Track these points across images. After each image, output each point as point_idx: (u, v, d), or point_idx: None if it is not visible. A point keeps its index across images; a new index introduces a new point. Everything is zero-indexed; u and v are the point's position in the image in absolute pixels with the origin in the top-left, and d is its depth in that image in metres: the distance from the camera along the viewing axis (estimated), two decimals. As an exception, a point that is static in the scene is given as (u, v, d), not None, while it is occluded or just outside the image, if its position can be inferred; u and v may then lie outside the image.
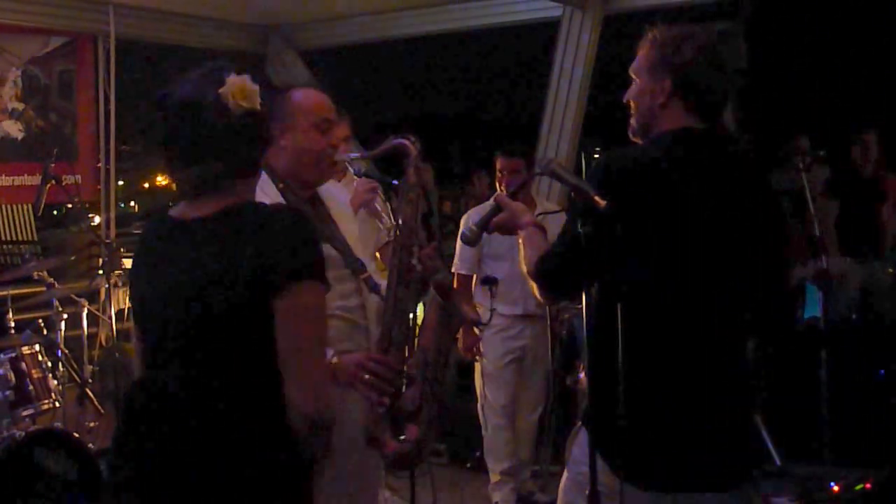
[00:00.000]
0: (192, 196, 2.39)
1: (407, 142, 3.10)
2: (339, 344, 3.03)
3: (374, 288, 3.16)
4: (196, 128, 2.31)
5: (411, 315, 3.06)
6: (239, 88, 2.31)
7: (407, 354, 3.02)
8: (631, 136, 2.91)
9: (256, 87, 2.34)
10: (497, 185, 5.60)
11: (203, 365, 2.30)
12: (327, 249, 2.91)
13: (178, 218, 2.40)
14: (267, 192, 2.98)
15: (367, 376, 2.92)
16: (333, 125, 3.24)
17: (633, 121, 2.89)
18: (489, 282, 5.40)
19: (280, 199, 3.02)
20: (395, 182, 3.27)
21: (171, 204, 2.51)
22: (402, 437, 2.96)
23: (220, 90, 2.30)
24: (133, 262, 2.52)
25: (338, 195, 3.47)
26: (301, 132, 3.14)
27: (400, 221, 3.09)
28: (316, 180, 3.24)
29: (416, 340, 3.08)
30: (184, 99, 2.33)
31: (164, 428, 2.30)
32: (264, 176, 2.95)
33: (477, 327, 5.31)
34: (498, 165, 5.56)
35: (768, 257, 2.82)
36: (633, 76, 2.88)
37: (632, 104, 2.89)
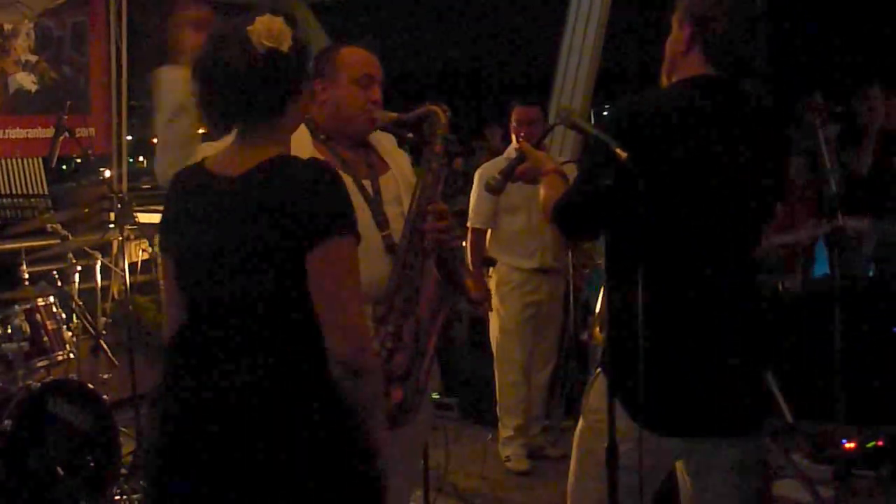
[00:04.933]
0: (227, 140, 2.42)
1: (439, 109, 3.13)
2: None
3: (391, 248, 3.15)
4: (221, 63, 2.31)
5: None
6: (266, 28, 2.30)
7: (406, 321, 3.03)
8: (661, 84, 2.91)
9: (288, 30, 2.33)
10: (513, 137, 5.52)
11: (248, 322, 2.32)
12: (359, 200, 2.99)
13: (214, 172, 2.40)
14: (303, 144, 3.00)
15: None
16: (375, 81, 3.24)
17: (662, 68, 2.90)
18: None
19: (313, 153, 3.01)
20: (411, 135, 3.26)
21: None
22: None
23: (249, 27, 2.30)
24: (168, 211, 2.49)
25: (384, 138, 3.44)
26: (341, 86, 3.19)
27: (419, 188, 3.11)
28: (355, 135, 3.26)
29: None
30: (214, 34, 2.36)
31: (217, 384, 2.32)
32: (302, 128, 2.98)
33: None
34: (515, 116, 5.51)
35: (767, 207, 2.86)
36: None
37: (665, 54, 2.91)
